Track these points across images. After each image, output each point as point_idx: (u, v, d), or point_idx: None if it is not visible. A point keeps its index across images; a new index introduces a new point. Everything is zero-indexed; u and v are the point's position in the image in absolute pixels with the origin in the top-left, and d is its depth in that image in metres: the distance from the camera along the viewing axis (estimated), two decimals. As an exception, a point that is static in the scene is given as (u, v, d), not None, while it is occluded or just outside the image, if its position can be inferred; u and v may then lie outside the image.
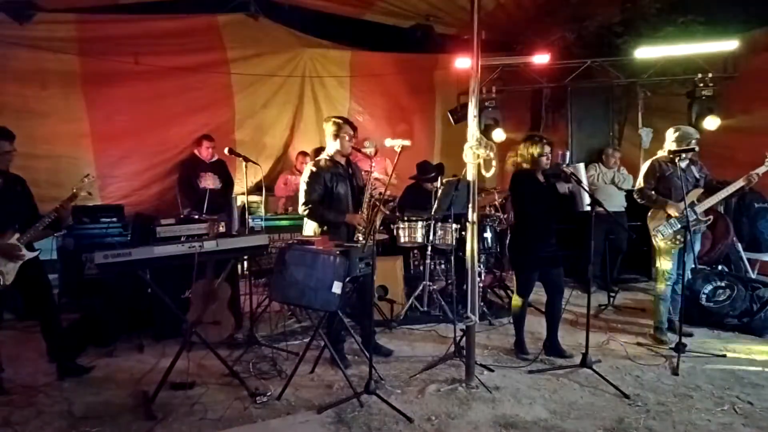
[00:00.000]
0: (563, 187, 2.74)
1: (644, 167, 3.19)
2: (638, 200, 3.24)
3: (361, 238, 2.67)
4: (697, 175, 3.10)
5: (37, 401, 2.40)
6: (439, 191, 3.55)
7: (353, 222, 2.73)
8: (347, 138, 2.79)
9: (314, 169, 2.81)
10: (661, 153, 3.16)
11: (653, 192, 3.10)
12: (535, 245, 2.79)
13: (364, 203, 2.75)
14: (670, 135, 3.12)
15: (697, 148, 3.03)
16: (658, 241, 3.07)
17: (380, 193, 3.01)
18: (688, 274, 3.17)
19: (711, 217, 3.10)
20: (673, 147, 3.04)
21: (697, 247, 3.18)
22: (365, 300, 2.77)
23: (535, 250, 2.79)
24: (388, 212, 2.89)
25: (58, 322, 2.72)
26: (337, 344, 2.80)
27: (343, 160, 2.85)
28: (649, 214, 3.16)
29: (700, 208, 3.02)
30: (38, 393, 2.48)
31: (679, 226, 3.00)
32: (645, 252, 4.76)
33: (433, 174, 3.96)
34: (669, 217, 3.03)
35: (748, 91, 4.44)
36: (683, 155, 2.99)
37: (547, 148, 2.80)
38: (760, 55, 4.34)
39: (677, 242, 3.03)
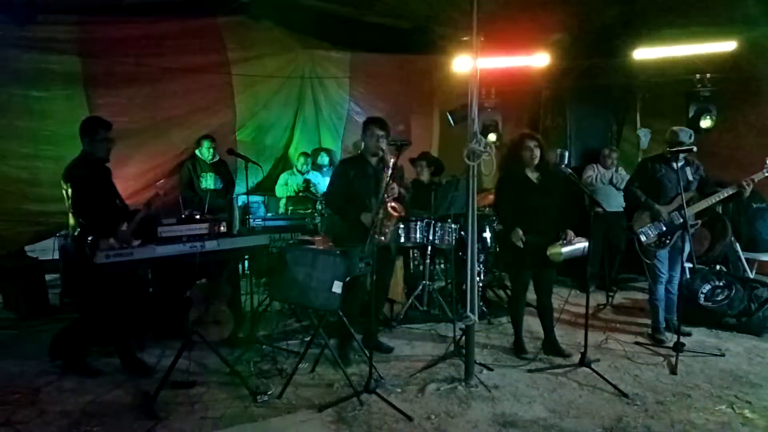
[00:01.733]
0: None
1: (636, 167, 3.20)
2: (624, 199, 3.24)
3: (375, 235, 2.63)
4: (691, 177, 3.07)
5: (38, 400, 2.41)
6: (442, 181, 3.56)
7: (365, 222, 2.72)
8: (374, 138, 2.77)
9: (341, 164, 2.92)
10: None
11: (641, 193, 3.09)
12: (524, 245, 2.75)
13: (378, 201, 2.73)
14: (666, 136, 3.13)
15: (695, 149, 3.03)
16: (642, 243, 3.06)
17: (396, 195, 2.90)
18: (687, 275, 3.18)
19: (699, 221, 3.08)
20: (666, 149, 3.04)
21: (687, 248, 3.12)
22: (368, 298, 2.79)
23: (523, 249, 2.76)
24: (402, 214, 2.86)
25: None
26: (343, 342, 2.81)
27: (373, 160, 2.83)
28: (635, 215, 3.16)
29: (690, 212, 2.99)
30: (40, 392, 2.49)
31: (664, 228, 3.01)
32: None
33: (426, 160, 3.94)
34: (654, 219, 3.03)
35: (747, 92, 4.45)
36: (680, 156, 2.99)
37: (533, 143, 2.77)
38: (759, 55, 4.35)
39: (662, 244, 3.04)
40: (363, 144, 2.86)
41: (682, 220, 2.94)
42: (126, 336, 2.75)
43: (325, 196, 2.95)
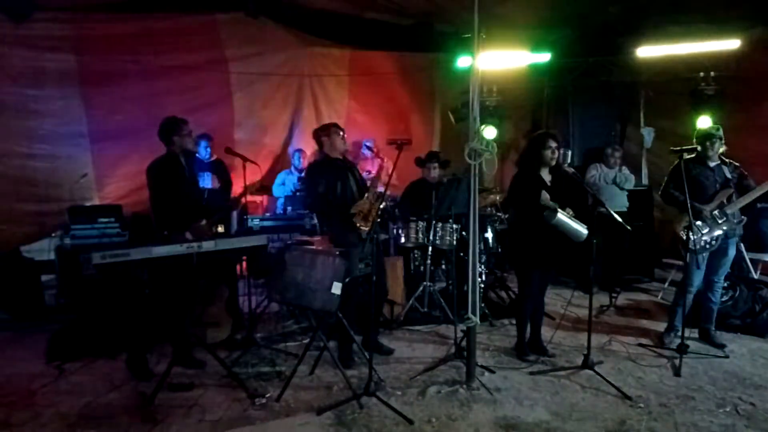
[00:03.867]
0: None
1: (670, 169, 3.08)
2: (663, 202, 3.14)
3: (358, 224, 2.67)
4: (729, 175, 2.96)
5: (34, 402, 2.39)
6: (444, 180, 3.54)
7: (355, 210, 2.72)
8: (339, 135, 2.85)
9: (315, 164, 2.88)
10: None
11: (679, 193, 2.95)
12: (537, 243, 2.74)
13: (369, 193, 2.76)
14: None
15: (699, 147, 2.95)
16: (686, 244, 2.88)
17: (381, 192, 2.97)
18: (718, 280, 3.02)
19: (744, 218, 2.96)
20: (697, 146, 2.97)
21: (732, 253, 3.00)
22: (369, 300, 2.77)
23: (536, 248, 2.74)
24: (387, 203, 2.90)
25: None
26: (346, 343, 2.79)
27: (339, 157, 2.89)
28: (676, 218, 3.06)
29: (730, 209, 2.90)
30: (35, 394, 2.46)
31: (708, 228, 2.89)
32: (647, 253, 4.73)
33: (437, 161, 3.92)
34: (695, 218, 2.87)
35: (751, 90, 4.41)
36: (709, 153, 2.92)
37: (553, 143, 2.73)
38: (763, 53, 4.31)
39: (708, 245, 2.90)
40: (329, 144, 2.85)
41: (724, 218, 2.85)
42: (151, 334, 2.74)
43: (309, 198, 2.93)
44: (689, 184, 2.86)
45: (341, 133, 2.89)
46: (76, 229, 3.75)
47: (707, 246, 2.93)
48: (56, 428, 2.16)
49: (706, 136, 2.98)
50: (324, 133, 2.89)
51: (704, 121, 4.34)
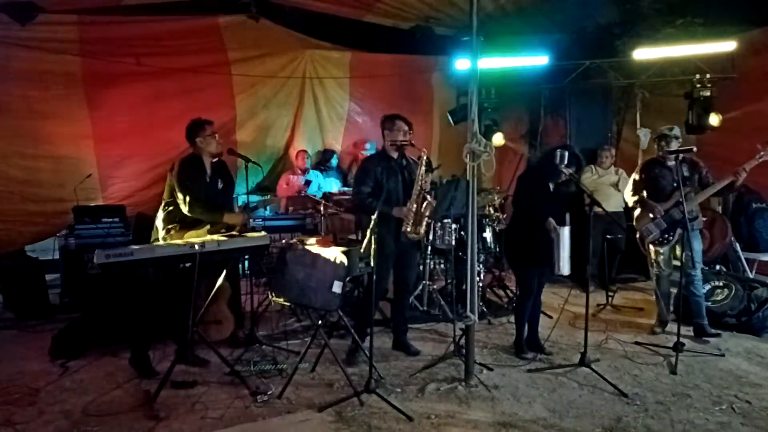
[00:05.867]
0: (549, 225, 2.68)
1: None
2: (629, 203, 3.33)
3: (408, 230, 2.73)
4: (687, 174, 3.11)
5: (38, 400, 2.41)
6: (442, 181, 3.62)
7: (400, 215, 2.75)
8: (401, 133, 2.80)
9: (366, 162, 2.91)
10: None
11: (641, 193, 3.19)
12: (534, 244, 2.78)
13: (413, 195, 2.77)
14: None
15: (695, 149, 3.06)
16: (646, 241, 3.14)
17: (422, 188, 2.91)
18: (695, 273, 3.14)
19: (705, 218, 3.14)
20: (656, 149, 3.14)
21: (697, 246, 3.17)
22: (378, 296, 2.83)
23: (533, 248, 2.79)
24: (434, 203, 2.94)
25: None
26: (355, 341, 2.83)
27: (395, 154, 2.86)
28: (636, 215, 3.26)
29: (689, 206, 3.02)
30: (40, 392, 2.49)
31: (665, 225, 3.06)
32: (643, 252, 4.77)
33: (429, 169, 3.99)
34: (654, 217, 3.08)
35: (747, 92, 4.46)
36: (679, 155, 3.04)
37: (566, 162, 2.75)
38: (758, 55, 4.36)
39: (666, 241, 3.10)
40: (387, 138, 2.84)
41: (681, 216, 2.95)
42: (153, 331, 2.79)
43: (353, 195, 2.94)
44: (650, 183, 3.10)
45: (405, 128, 2.78)
46: (81, 228, 3.79)
47: (664, 241, 3.11)
48: (60, 425, 2.18)
49: (661, 137, 3.15)
50: (389, 124, 2.81)
51: (708, 123, 4.39)
